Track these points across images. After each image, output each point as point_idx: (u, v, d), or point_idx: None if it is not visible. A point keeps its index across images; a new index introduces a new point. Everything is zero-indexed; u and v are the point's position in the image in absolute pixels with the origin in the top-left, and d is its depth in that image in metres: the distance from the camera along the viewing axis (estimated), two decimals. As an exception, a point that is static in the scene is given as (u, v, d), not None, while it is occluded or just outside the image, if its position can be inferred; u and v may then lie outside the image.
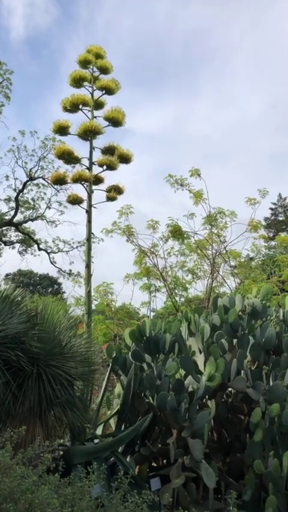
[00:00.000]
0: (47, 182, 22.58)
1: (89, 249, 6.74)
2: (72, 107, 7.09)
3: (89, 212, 6.82)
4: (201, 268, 11.33)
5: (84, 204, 6.89)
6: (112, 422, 6.12)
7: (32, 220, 23.70)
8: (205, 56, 35.95)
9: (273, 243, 17.13)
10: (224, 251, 10.92)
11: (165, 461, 5.43)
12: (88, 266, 6.60)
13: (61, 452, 5.08)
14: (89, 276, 6.55)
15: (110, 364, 5.92)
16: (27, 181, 22.60)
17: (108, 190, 7.11)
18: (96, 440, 5.49)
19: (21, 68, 34.71)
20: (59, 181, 7.01)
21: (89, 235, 6.78)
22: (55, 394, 4.74)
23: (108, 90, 7.35)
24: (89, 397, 5.85)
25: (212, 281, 10.81)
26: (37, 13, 33.95)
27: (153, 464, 5.54)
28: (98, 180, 7.11)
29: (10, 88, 21.09)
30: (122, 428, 5.60)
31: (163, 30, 34.15)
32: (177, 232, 10.63)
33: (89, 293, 6.47)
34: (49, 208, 23.32)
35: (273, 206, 37.13)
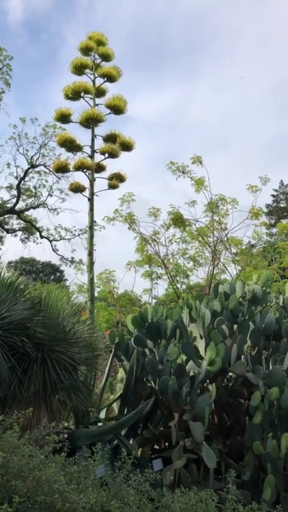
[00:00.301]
0: (49, 170, 22.52)
1: (91, 236, 6.80)
2: (74, 95, 7.08)
3: (91, 200, 6.86)
4: (203, 256, 11.40)
5: (87, 192, 6.93)
6: (115, 406, 6.25)
7: (34, 208, 23.68)
8: (206, 39, 35.49)
9: (274, 230, 17.13)
10: (225, 238, 10.97)
11: (166, 443, 5.57)
12: (90, 254, 6.67)
13: (65, 435, 5.23)
14: (91, 263, 6.62)
15: (113, 350, 6.03)
16: (28, 168, 22.52)
17: (110, 178, 7.13)
18: (99, 424, 5.63)
19: (20, 52, 34.24)
20: (61, 169, 7.04)
21: (91, 223, 6.83)
22: (59, 378, 4.86)
23: (110, 78, 7.32)
24: (92, 382, 5.97)
25: (213, 268, 10.88)
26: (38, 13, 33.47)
27: (155, 446, 5.69)
28: (100, 168, 7.13)
29: (10, 74, 20.89)
30: (125, 412, 5.73)
31: (163, 14, 33.67)
32: (178, 220, 10.66)
33: (91, 280, 6.55)
34: (51, 195, 23.27)
35: (274, 193, 37.00)
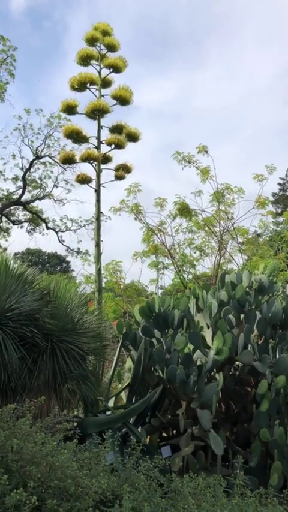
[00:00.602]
0: (54, 161, 22.50)
1: (99, 227, 6.84)
2: (80, 86, 7.07)
3: (98, 191, 6.89)
4: (209, 245, 11.41)
5: (93, 184, 6.96)
6: (123, 395, 6.35)
7: (40, 199, 23.70)
8: (211, 25, 35.04)
9: (281, 219, 17.06)
10: (232, 228, 10.96)
11: (174, 431, 5.66)
12: (98, 245, 6.72)
13: (75, 424, 5.33)
14: (98, 254, 6.67)
15: (120, 340, 6.10)
16: (34, 160, 22.49)
17: (117, 169, 7.15)
18: (108, 412, 5.72)
19: (23, 41, 33.96)
20: (68, 160, 7.06)
21: (98, 214, 6.86)
22: (68, 368, 4.94)
23: (116, 68, 7.30)
24: (101, 371, 6.05)
25: (220, 258, 10.89)
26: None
27: (163, 434, 5.78)
28: (106, 159, 7.14)
29: (14, 65, 20.79)
30: (133, 401, 5.81)
31: (167, 1, 33.24)
32: (184, 210, 10.66)
33: (99, 271, 6.60)
34: (56, 186, 23.26)
35: (281, 181, 36.73)
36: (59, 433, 3.19)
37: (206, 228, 11.12)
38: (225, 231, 10.93)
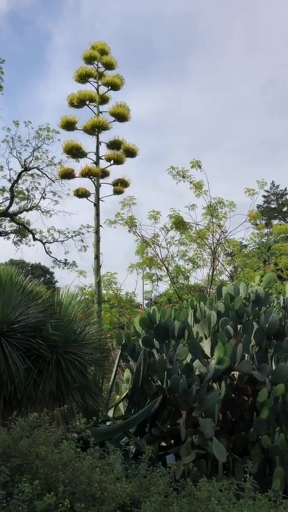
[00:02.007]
0: (42, 172, 22.63)
1: (98, 240, 6.98)
2: (79, 103, 7.28)
3: (97, 205, 7.05)
4: (201, 257, 11.65)
5: (92, 198, 7.11)
6: (121, 405, 6.43)
7: (27, 210, 23.76)
8: (194, 39, 35.85)
9: (265, 230, 17.43)
10: (224, 241, 11.23)
11: (172, 441, 5.77)
12: (97, 257, 6.86)
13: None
14: (98, 266, 6.80)
15: (120, 350, 6.20)
16: (21, 171, 22.60)
17: (115, 184, 7.34)
18: (108, 423, 5.80)
19: (3, 47, 33.98)
20: (67, 175, 7.22)
21: (97, 227, 7.01)
22: (73, 379, 5.03)
23: (114, 86, 7.54)
24: (101, 382, 6.15)
25: (213, 270, 11.13)
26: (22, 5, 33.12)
27: (162, 443, 5.88)
28: (104, 174, 7.32)
29: (2, 78, 20.96)
30: (132, 411, 5.91)
31: (151, 14, 33.95)
32: (180, 223, 10.90)
33: (98, 283, 6.73)
34: (44, 198, 23.38)
35: (265, 194, 37.50)
36: (69, 441, 3.30)
37: (198, 241, 11.36)
38: (218, 243, 11.19)
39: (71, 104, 7.33)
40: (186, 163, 11.40)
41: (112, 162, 7.31)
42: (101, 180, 7.35)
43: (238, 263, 11.49)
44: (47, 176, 22.45)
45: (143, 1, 34.47)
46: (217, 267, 11.35)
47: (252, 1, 34.01)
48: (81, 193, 7.00)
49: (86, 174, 6.90)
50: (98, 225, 7.05)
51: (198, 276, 11.91)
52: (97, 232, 7.11)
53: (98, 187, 7.18)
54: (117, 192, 7.31)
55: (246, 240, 12.55)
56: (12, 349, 4.71)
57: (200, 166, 11.00)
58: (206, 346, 5.79)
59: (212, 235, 11.13)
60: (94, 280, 6.82)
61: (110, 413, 6.28)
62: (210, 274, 11.02)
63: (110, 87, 7.58)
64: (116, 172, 7.65)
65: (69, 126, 7.33)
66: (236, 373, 5.68)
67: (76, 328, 5.55)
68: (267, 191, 37.59)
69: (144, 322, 5.90)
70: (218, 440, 4.81)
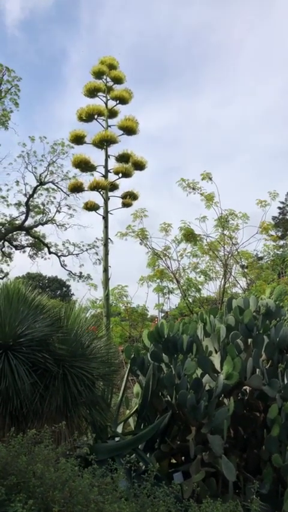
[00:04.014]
0: (57, 186, 22.89)
1: (107, 253, 6.98)
2: (88, 117, 7.35)
3: (105, 218, 7.06)
4: (213, 270, 11.54)
5: (101, 210, 7.14)
6: (131, 420, 6.33)
7: (42, 224, 24.02)
8: (208, 54, 36.18)
9: (281, 242, 17.22)
10: (236, 252, 11.11)
11: (183, 457, 5.63)
12: (106, 270, 6.84)
13: (84, 450, 5.33)
14: (106, 279, 6.78)
15: (129, 365, 6.12)
16: (37, 186, 22.91)
17: (124, 197, 7.35)
18: (117, 438, 5.71)
19: (23, 69, 34.82)
20: (76, 189, 7.26)
21: (106, 240, 7.01)
22: (80, 393, 4.97)
23: (122, 100, 7.60)
24: (109, 397, 6.07)
25: (225, 282, 11.00)
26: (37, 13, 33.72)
27: (172, 460, 5.75)
28: (113, 187, 7.35)
29: (18, 94, 21.47)
30: (142, 427, 5.81)
31: (165, 29, 34.43)
32: (189, 235, 10.84)
33: (107, 296, 6.70)
34: (59, 212, 23.64)
35: (281, 205, 37.14)
36: (74, 458, 3.23)
37: (211, 253, 11.27)
38: (229, 255, 11.09)
39: (80, 119, 7.41)
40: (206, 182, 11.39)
41: (120, 175, 7.35)
42: (110, 193, 7.39)
43: (251, 275, 11.34)
44: (62, 190, 22.73)
45: (157, 17, 35.00)
46: (229, 280, 11.23)
47: (265, 15, 34.24)
48: (90, 207, 7.03)
49: (94, 187, 6.94)
50: (106, 238, 7.06)
51: (211, 289, 11.82)
52: (106, 245, 7.11)
53: (106, 200, 7.21)
54: (125, 205, 7.32)
55: (261, 252, 12.41)
56: (18, 363, 4.69)
57: (210, 178, 10.98)
58: (216, 360, 5.67)
59: (224, 247, 11.04)
60: (103, 293, 6.80)
61: (119, 429, 6.19)
62: (222, 286, 10.89)
63: (118, 101, 7.65)
64: (127, 185, 7.71)
65: (78, 140, 7.40)
66: (248, 388, 5.54)
67: (84, 342, 5.50)
68: (282, 202, 37.23)
69: (153, 336, 5.82)
70: (229, 457, 4.67)
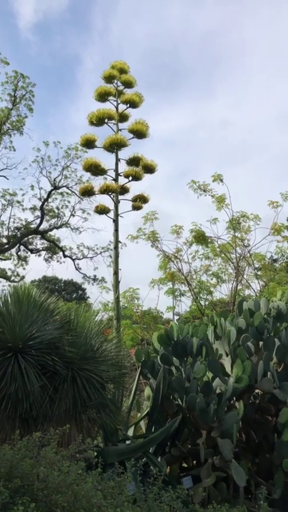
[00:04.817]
0: (71, 191, 23.07)
1: (117, 256, 7.00)
2: (98, 121, 7.39)
3: (116, 221, 7.09)
4: (226, 272, 11.46)
5: (111, 214, 7.16)
6: (142, 424, 6.32)
7: (57, 228, 24.23)
8: (221, 55, 36.08)
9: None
10: (248, 254, 11.02)
11: (195, 461, 5.59)
12: (116, 273, 6.86)
13: (95, 453, 5.33)
14: (117, 282, 6.80)
15: (139, 368, 6.12)
16: (51, 190, 23.12)
17: (134, 200, 7.36)
18: (127, 441, 5.70)
19: (38, 76, 35.19)
20: (87, 192, 7.31)
21: (116, 243, 7.04)
22: (89, 396, 4.98)
23: (133, 104, 7.63)
24: (120, 400, 6.06)
25: (237, 284, 10.90)
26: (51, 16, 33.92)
27: (184, 464, 5.71)
28: (123, 190, 7.38)
29: (33, 100, 21.71)
30: (152, 430, 5.79)
31: (177, 33, 34.47)
32: (200, 238, 10.79)
33: (117, 299, 6.71)
34: (73, 215, 23.82)
35: (296, 206, 36.66)
36: (80, 461, 3.23)
37: (223, 255, 11.20)
38: (241, 257, 10.99)
39: (91, 123, 7.45)
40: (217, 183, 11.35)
41: (130, 178, 7.36)
42: (121, 197, 7.41)
43: (264, 277, 11.22)
44: (76, 194, 22.87)
45: (169, 20, 35.09)
46: (242, 282, 11.12)
47: (277, 15, 33.97)
48: (101, 210, 7.06)
49: (105, 190, 6.97)
50: (117, 241, 7.08)
51: (224, 291, 11.74)
52: (116, 248, 7.13)
53: (116, 203, 7.23)
54: (136, 208, 7.33)
55: (276, 253, 12.27)
56: (28, 366, 4.72)
57: (221, 180, 10.92)
58: (226, 363, 5.63)
59: (235, 249, 10.95)
60: (113, 296, 6.81)
61: (131, 432, 6.18)
62: (234, 289, 10.80)
63: (128, 105, 7.68)
64: (141, 188, 7.74)
65: (89, 144, 7.45)
66: (260, 392, 5.48)
67: (93, 345, 5.51)
68: (298, 203, 36.72)
69: (162, 339, 5.80)
70: (240, 462, 4.61)
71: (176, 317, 14.53)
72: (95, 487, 2.65)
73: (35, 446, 2.95)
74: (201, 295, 11.32)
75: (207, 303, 11.55)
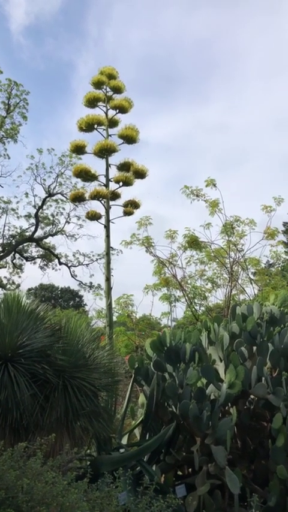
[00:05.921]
0: (65, 198, 23.04)
1: (109, 262, 6.95)
2: (88, 127, 7.38)
3: (107, 227, 7.05)
4: (221, 277, 11.41)
5: (103, 220, 7.13)
6: (137, 431, 6.23)
7: (52, 235, 24.19)
8: (216, 61, 36.36)
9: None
10: (242, 259, 10.98)
11: (189, 469, 5.51)
12: (108, 279, 6.81)
13: (88, 462, 5.24)
14: (109, 289, 6.74)
15: (133, 375, 6.05)
16: (46, 197, 23.11)
17: (125, 205, 7.34)
18: (121, 450, 5.61)
19: (32, 83, 35.28)
20: (78, 198, 7.29)
21: (108, 249, 6.99)
22: (81, 405, 4.90)
23: (122, 109, 7.63)
24: (113, 408, 5.99)
25: (231, 289, 10.86)
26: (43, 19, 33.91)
27: (179, 472, 5.62)
28: (114, 196, 7.35)
29: (27, 108, 21.79)
30: (147, 438, 5.71)
31: (172, 40, 34.72)
32: (193, 243, 10.76)
33: (109, 305, 6.66)
34: (68, 222, 23.80)
35: (292, 211, 36.76)
36: (70, 472, 3.16)
37: (217, 260, 11.16)
38: (235, 262, 10.95)
39: (81, 129, 7.42)
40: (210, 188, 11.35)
41: (121, 183, 7.34)
42: (112, 202, 7.38)
43: (259, 282, 11.18)
44: (71, 202, 22.83)
45: (163, 27, 35.38)
46: (236, 286, 11.08)
47: (272, 20, 34.35)
48: (92, 216, 7.03)
49: (95, 196, 6.94)
50: (108, 247, 7.04)
51: (219, 296, 11.68)
52: (108, 254, 7.09)
53: (107, 209, 7.20)
54: (127, 213, 7.30)
55: (272, 257, 12.26)
56: (18, 374, 4.64)
57: (214, 185, 10.91)
58: (220, 369, 5.56)
59: (229, 254, 10.92)
60: (105, 303, 6.76)
61: (125, 440, 6.09)
62: (229, 294, 10.75)
63: (118, 110, 7.68)
64: (135, 193, 7.70)
65: (78, 150, 7.43)
66: (255, 397, 5.41)
67: (85, 352, 5.44)
68: (293, 208, 36.84)
69: (155, 345, 5.74)
70: (235, 469, 4.54)
71: (174, 323, 14.47)
72: (81, 498, 2.58)
73: (21, 457, 2.87)
74: (195, 300, 11.26)
75: (202, 308, 11.50)
